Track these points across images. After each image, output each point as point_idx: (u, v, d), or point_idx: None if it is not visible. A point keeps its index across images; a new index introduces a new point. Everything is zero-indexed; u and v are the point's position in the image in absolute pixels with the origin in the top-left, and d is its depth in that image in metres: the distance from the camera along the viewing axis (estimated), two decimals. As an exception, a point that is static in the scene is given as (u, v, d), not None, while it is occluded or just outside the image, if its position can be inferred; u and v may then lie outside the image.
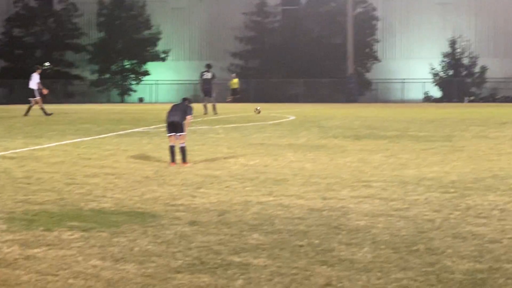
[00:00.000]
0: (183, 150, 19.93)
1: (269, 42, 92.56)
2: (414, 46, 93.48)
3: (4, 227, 11.76)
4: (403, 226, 11.82)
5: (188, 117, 20.10)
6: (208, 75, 49.41)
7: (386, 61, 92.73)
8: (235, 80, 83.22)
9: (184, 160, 19.83)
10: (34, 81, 48.96)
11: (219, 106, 51.71)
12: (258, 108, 50.91)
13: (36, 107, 49.20)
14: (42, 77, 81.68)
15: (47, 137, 29.37)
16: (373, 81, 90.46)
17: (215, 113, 47.98)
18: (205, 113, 47.43)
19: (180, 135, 19.88)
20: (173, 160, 19.91)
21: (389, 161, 20.91)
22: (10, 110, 49.14)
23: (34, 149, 24.41)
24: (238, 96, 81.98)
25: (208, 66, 50.11)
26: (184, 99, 21.10)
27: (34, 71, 49.78)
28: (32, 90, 48.87)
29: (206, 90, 49.06)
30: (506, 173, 18.13)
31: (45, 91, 49.41)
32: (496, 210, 13.15)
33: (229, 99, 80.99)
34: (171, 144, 20.02)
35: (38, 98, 48.64)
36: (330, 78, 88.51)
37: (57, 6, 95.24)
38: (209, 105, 49.40)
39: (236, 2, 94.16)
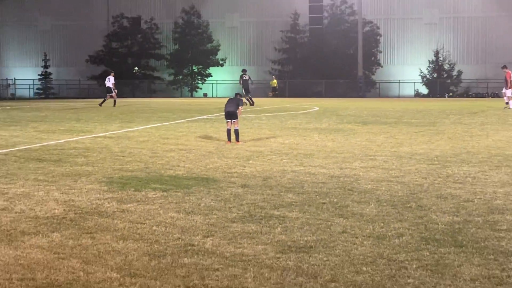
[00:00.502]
0: (236, 132, 19.99)
1: (300, 52, 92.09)
2: (408, 55, 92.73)
3: (105, 188, 11.86)
4: (399, 189, 11.78)
5: (240, 107, 20.17)
6: (246, 77, 49.36)
7: (387, 67, 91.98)
8: (275, 81, 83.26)
9: (237, 139, 19.88)
10: (111, 82, 49.57)
11: (263, 100, 51.61)
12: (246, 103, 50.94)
13: (108, 100, 49.74)
14: (132, 78, 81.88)
15: (136, 122, 29.50)
16: (377, 81, 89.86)
17: (252, 104, 47.81)
18: (252, 105, 47.25)
19: (235, 121, 19.94)
20: (229, 139, 19.96)
21: (389, 140, 20.83)
22: (109, 103, 49.41)
23: (127, 131, 24.53)
24: (277, 93, 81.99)
25: (244, 71, 49.99)
26: (237, 94, 21.19)
27: (109, 74, 50.54)
28: (109, 87, 49.53)
29: (246, 88, 48.95)
30: (477, 150, 18.00)
31: (115, 91, 50.45)
32: (469, 177, 13.07)
33: (270, 95, 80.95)
34: (228, 127, 20.10)
35: (113, 94, 49.40)
36: (345, 79, 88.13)
37: (144, 26, 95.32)
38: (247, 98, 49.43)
39: (275, 23, 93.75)
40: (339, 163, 15.39)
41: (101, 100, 50.78)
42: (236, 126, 20.00)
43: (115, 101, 49.64)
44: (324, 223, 9.07)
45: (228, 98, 21.19)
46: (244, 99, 47.92)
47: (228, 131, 20.12)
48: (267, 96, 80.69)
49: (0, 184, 12.28)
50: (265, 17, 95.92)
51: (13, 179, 12.93)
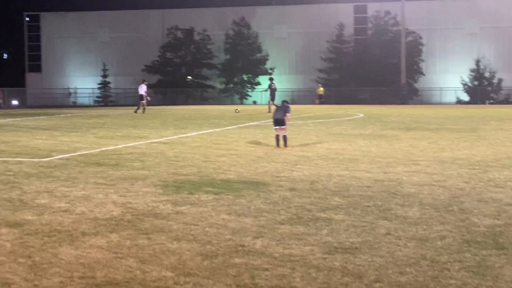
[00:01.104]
0: (284, 138, 19.97)
1: (345, 61, 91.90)
2: (449, 63, 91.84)
3: (161, 191, 11.93)
4: (441, 192, 11.67)
5: (288, 114, 20.13)
6: (274, 86, 49.54)
7: (429, 75, 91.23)
8: (321, 89, 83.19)
9: (285, 145, 19.85)
10: (142, 90, 50.46)
11: (310, 107, 51.50)
12: (238, 109, 51.24)
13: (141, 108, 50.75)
14: (186, 86, 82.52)
15: (189, 128, 29.66)
16: (419, 89, 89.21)
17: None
18: (269, 112, 47.41)
19: (283, 127, 19.93)
20: (277, 145, 19.95)
21: (431, 146, 20.65)
22: (164, 110, 49.81)
23: (180, 137, 24.67)
24: (323, 100, 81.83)
25: (272, 79, 50.20)
26: (284, 101, 21.15)
27: (142, 82, 51.67)
28: (141, 95, 50.38)
29: (273, 96, 49.01)
30: (517, 155, 17.77)
31: (149, 98, 51.75)
32: (510, 182, 12.89)
33: (317, 102, 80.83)
34: (276, 133, 20.08)
35: (144, 101, 50.05)
36: (388, 87, 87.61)
37: (197, 37, 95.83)
38: (273, 107, 49.88)
39: (322, 33, 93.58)
40: (383, 167, 15.29)
41: (136, 108, 51.65)
42: (284, 132, 20.00)
43: (144, 108, 50.17)
44: (369, 225, 9.02)
45: (275, 106, 21.15)
46: (273, 106, 48.65)
47: (277, 137, 20.11)
48: (313, 104, 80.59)
49: (63, 187, 12.44)
50: (312, 28, 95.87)
51: (74, 182, 13.09)
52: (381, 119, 37.05)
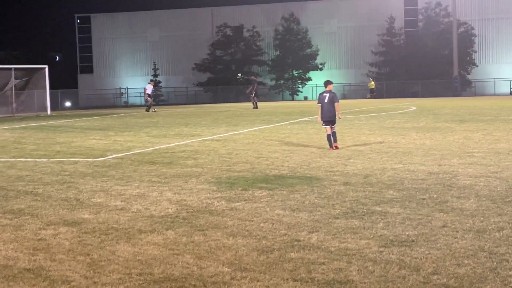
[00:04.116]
0: (334, 135, 18.85)
1: (396, 54, 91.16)
2: (503, 54, 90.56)
3: (214, 188, 12.02)
4: (498, 184, 11.55)
5: (337, 104, 18.43)
6: (255, 80, 51.46)
7: (482, 66, 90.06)
8: (372, 82, 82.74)
9: (335, 141, 18.43)
10: (149, 90, 52.52)
11: (362, 102, 51.21)
12: (155, 109, 53.01)
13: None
14: (236, 84, 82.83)
15: (241, 125, 29.74)
16: (473, 80, 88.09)
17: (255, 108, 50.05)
18: (255, 108, 49.71)
19: (333, 126, 18.75)
20: (331, 146, 18.84)
21: (486, 137, 20.41)
22: (215, 107, 50.01)
23: (232, 134, 24.77)
24: (374, 94, 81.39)
25: (255, 75, 51.33)
26: (328, 82, 19.28)
27: (149, 83, 54.52)
28: (148, 94, 52.63)
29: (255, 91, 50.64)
30: None
31: (150, 100, 53.21)
32: None
33: (368, 96, 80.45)
34: (328, 133, 18.63)
35: (150, 100, 52.35)
36: (441, 79, 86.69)
37: (246, 34, 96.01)
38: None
39: (372, 27, 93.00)
40: (437, 160, 15.18)
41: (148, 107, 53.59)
42: (334, 128, 18.55)
43: (149, 106, 52.44)
44: (424, 218, 8.98)
45: (320, 94, 19.44)
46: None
47: (329, 137, 18.52)
48: (365, 98, 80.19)
49: (118, 186, 12.61)
50: (362, 22, 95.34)
51: (129, 181, 13.26)
52: (434, 112, 36.71)
